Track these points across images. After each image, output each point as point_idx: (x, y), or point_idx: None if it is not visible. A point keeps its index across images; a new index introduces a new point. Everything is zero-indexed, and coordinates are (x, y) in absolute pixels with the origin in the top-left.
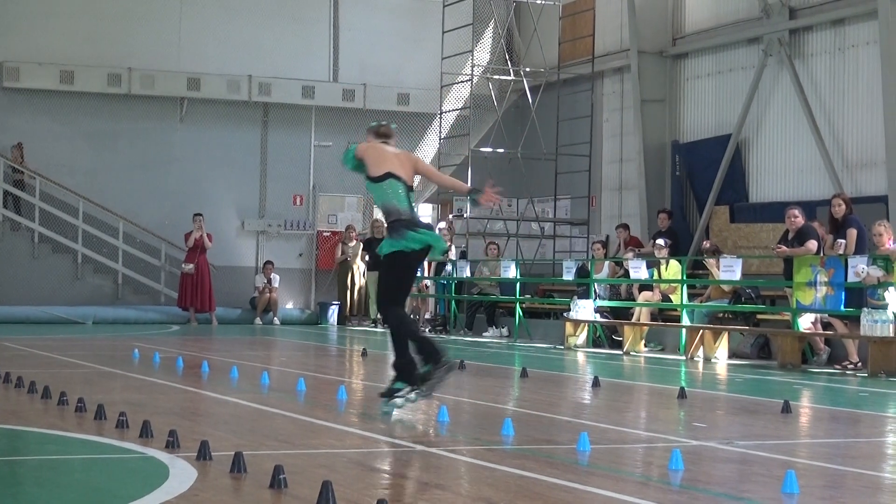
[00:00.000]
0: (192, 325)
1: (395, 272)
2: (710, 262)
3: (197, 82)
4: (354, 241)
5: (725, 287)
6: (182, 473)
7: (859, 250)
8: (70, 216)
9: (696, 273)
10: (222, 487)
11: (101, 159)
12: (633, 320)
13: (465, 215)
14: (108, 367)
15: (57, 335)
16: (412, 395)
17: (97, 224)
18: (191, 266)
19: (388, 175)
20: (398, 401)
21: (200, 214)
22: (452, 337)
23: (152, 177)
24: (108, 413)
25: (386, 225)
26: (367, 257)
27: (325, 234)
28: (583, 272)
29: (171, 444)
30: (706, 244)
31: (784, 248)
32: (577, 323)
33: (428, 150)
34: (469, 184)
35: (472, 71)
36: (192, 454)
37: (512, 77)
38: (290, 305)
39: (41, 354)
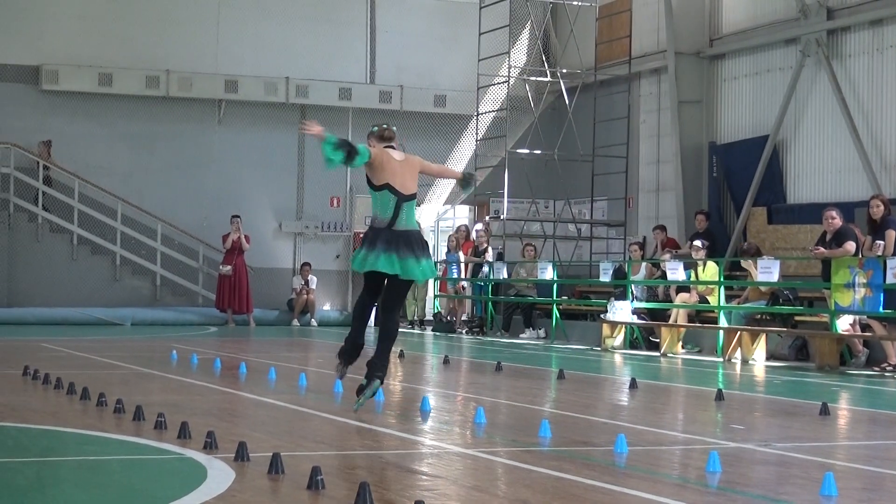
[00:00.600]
0: (230, 327)
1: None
2: (748, 262)
3: (234, 84)
4: None
5: (763, 288)
6: (220, 474)
7: None
8: (109, 218)
9: (734, 274)
10: (260, 488)
11: (139, 161)
12: (671, 322)
13: (501, 217)
14: (147, 369)
15: (95, 336)
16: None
17: (135, 226)
18: (228, 268)
19: (386, 186)
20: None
21: (238, 216)
22: (489, 338)
23: (190, 179)
24: (147, 414)
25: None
26: None
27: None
28: (620, 274)
29: (209, 445)
30: (745, 245)
31: (822, 249)
32: (613, 324)
33: (464, 151)
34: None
35: (509, 72)
36: (230, 455)
37: (549, 78)
38: (327, 307)
39: (80, 356)
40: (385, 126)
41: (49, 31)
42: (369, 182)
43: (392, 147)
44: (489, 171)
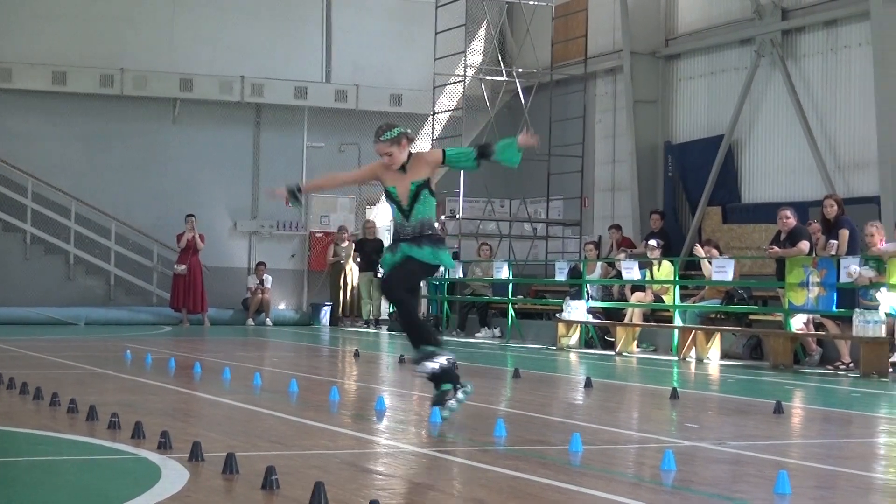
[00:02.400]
0: (185, 326)
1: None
2: (702, 250)
3: (189, 83)
4: (347, 242)
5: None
6: (174, 474)
7: (851, 251)
8: (62, 217)
9: (688, 274)
10: (214, 488)
11: (93, 160)
12: (626, 321)
13: (457, 217)
14: (101, 369)
15: (49, 336)
16: (459, 395)
17: (89, 225)
18: (183, 267)
19: (385, 191)
20: (451, 403)
21: (193, 215)
22: (445, 337)
23: (145, 178)
24: (100, 414)
25: None
26: (358, 258)
27: (317, 234)
28: (575, 273)
29: (163, 445)
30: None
31: (776, 248)
32: (569, 324)
33: (421, 150)
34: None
35: (465, 72)
36: (185, 455)
37: (504, 78)
38: (282, 306)
39: (33, 355)
40: (407, 130)
41: (2, 28)
42: (431, 185)
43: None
44: (445, 171)
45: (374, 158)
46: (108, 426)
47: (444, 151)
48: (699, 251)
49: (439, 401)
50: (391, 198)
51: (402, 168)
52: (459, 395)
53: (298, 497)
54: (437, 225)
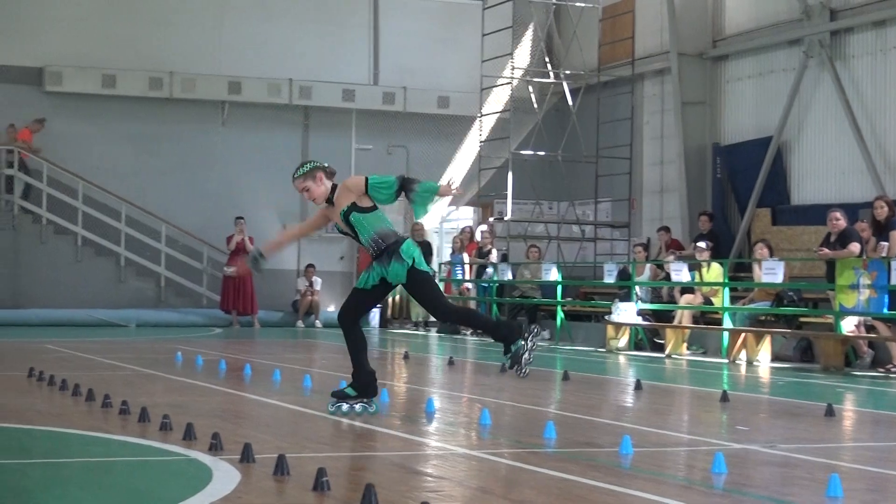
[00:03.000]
0: (235, 328)
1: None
2: (757, 249)
3: (237, 86)
4: None
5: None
6: (225, 476)
7: None
8: (113, 219)
9: (738, 275)
10: (265, 490)
11: (142, 163)
12: (675, 323)
13: (505, 219)
14: (152, 370)
15: (100, 338)
16: (357, 407)
17: (139, 227)
18: (233, 269)
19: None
20: (344, 406)
21: (242, 218)
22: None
23: (194, 180)
24: (152, 415)
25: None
26: None
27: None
28: (624, 275)
29: (215, 447)
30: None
31: (826, 250)
32: (618, 326)
33: (468, 153)
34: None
35: (512, 74)
36: (236, 456)
37: (552, 80)
38: (331, 308)
39: (84, 357)
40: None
41: (53, 32)
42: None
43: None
44: (493, 173)
45: (422, 159)
46: (159, 427)
47: (366, 179)
48: (764, 252)
49: (515, 361)
50: (339, 230)
51: (330, 201)
52: (529, 342)
53: (349, 499)
54: (396, 228)
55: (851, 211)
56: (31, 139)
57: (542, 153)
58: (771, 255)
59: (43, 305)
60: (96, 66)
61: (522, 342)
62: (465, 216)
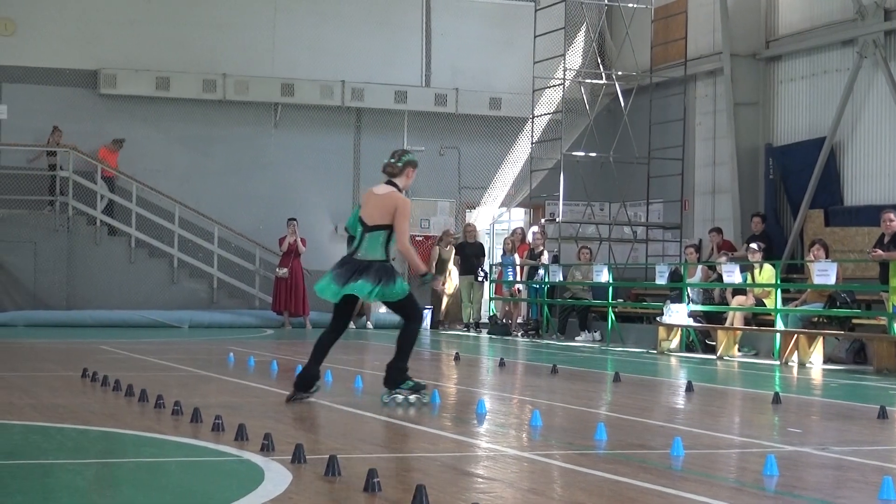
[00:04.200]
0: (287, 329)
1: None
2: (813, 250)
3: (290, 88)
4: (449, 246)
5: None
6: (277, 476)
7: None
8: (166, 221)
9: (790, 277)
10: (317, 490)
11: (196, 164)
12: (727, 325)
13: (557, 220)
14: (204, 371)
15: (153, 339)
16: (412, 398)
17: (192, 229)
18: (285, 270)
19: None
20: (398, 397)
21: (294, 219)
22: (544, 341)
23: (246, 182)
24: (204, 416)
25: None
26: (459, 262)
27: (417, 238)
28: (675, 276)
29: (266, 447)
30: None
31: (880, 251)
32: (669, 327)
33: (520, 154)
34: None
35: (564, 75)
36: (287, 457)
37: (604, 81)
38: (383, 310)
39: (138, 358)
40: (388, 161)
41: (107, 35)
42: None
43: (392, 181)
44: (545, 174)
45: (474, 161)
46: (211, 428)
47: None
48: (821, 253)
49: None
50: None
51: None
52: (410, 395)
53: (400, 500)
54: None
55: None
56: (115, 162)
57: (593, 154)
58: (827, 255)
59: (97, 307)
60: (150, 69)
61: (407, 390)
62: (517, 217)
